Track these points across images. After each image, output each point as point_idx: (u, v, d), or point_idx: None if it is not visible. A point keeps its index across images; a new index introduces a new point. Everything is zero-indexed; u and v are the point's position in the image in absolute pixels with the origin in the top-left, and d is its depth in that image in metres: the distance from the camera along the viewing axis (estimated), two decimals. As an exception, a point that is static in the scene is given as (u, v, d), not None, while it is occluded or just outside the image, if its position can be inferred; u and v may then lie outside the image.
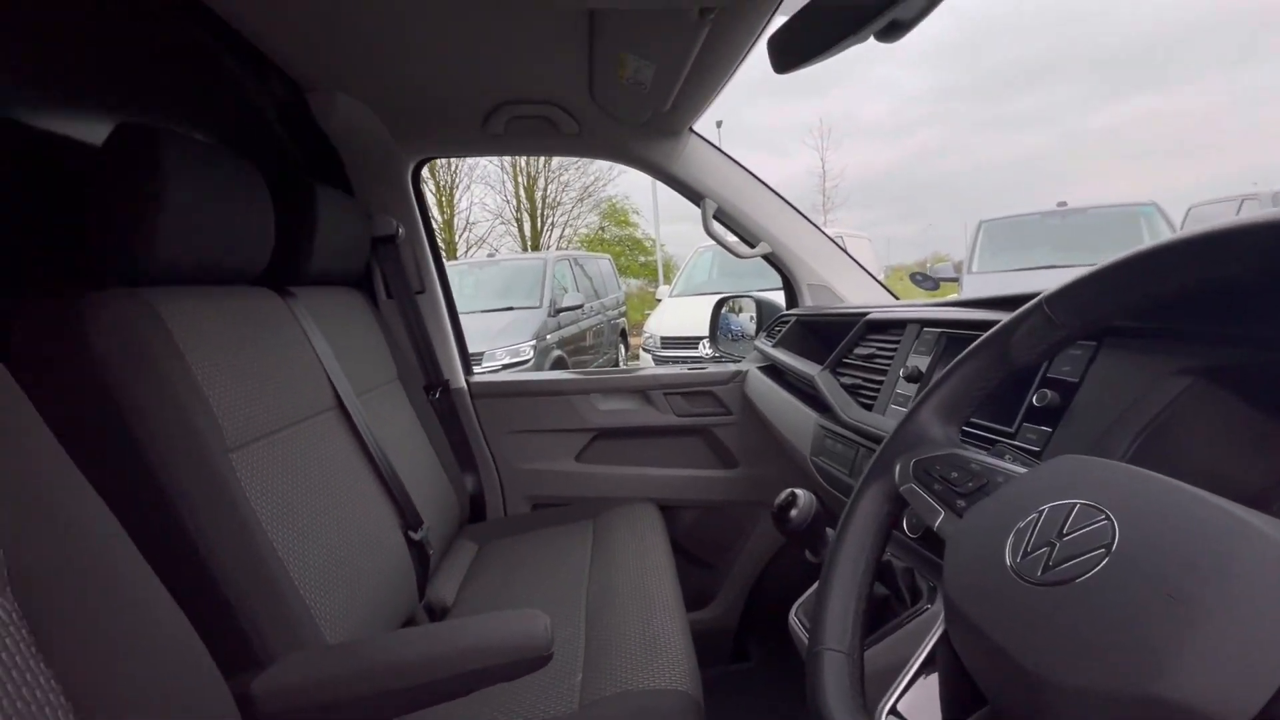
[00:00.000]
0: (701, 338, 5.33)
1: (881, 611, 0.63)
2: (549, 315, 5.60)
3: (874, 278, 1.44)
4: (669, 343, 5.34)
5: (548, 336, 5.48)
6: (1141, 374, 0.48)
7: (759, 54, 1.02)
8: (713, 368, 1.53)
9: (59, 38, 0.84)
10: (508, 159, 16.10)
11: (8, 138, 0.76)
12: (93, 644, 0.47)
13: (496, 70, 1.12)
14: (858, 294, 1.40)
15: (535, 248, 15.53)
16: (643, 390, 1.51)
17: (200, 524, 0.66)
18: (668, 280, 9.60)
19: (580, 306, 6.21)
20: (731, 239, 1.43)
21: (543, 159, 16.52)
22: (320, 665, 0.61)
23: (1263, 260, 0.29)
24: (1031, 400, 0.56)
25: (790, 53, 0.73)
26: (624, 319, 8.50)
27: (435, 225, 1.46)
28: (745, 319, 1.81)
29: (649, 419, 1.50)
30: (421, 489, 1.16)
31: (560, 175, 16.88)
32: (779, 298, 1.59)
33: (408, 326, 1.41)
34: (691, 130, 1.35)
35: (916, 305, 0.89)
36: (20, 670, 0.43)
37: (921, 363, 0.76)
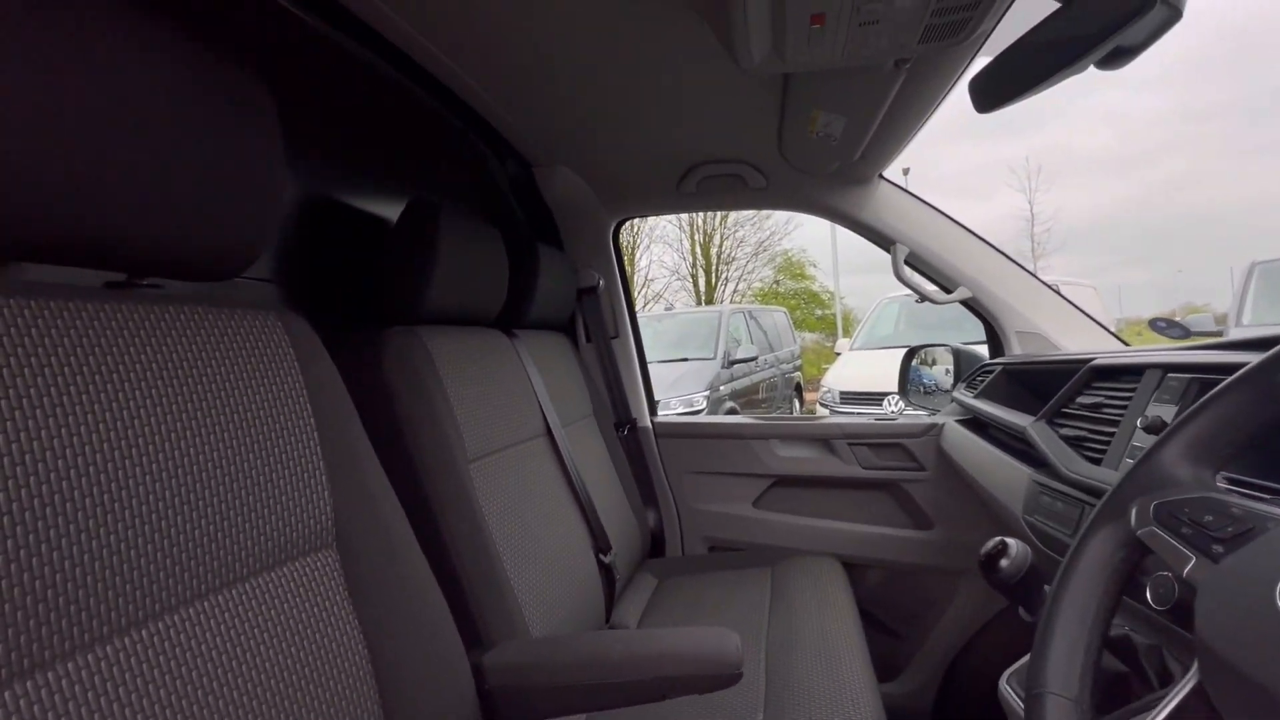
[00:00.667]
0: (885, 394, 4.99)
1: (1118, 690, 0.55)
2: (723, 366, 5.67)
3: (1099, 324, 1.28)
4: (849, 398, 5.10)
5: (721, 387, 5.55)
6: None
7: (955, 96, 1.01)
8: (903, 420, 1.45)
9: (355, 130, 1.11)
10: (685, 218, 16.88)
11: (324, 209, 1.01)
12: (381, 602, 0.59)
13: (693, 136, 1.23)
14: (1078, 342, 1.25)
15: (710, 302, 15.89)
16: (825, 439, 1.48)
17: (448, 520, 0.80)
18: (846, 334, 9.22)
19: (754, 359, 6.21)
20: (927, 286, 1.38)
21: (719, 217, 17.06)
22: (537, 650, 0.69)
23: None
24: None
25: (994, 93, 0.72)
26: (799, 373, 8.29)
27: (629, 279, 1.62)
28: (939, 371, 1.69)
29: (831, 469, 1.46)
30: (610, 518, 1.25)
31: (736, 231, 17.24)
32: (979, 350, 1.48)
33: (603, 368, 1.55)
34: (881, 177, 1.34)
35: (1156, 349, 0.79)
36: (336, 612, 0.56)
37: (1165, 413, 0.67)
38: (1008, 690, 0.65)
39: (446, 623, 0.64)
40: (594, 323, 1.54)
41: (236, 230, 0.53)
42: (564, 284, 1.36)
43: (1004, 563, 0.59)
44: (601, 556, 1.16)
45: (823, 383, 5.71)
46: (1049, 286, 1.31)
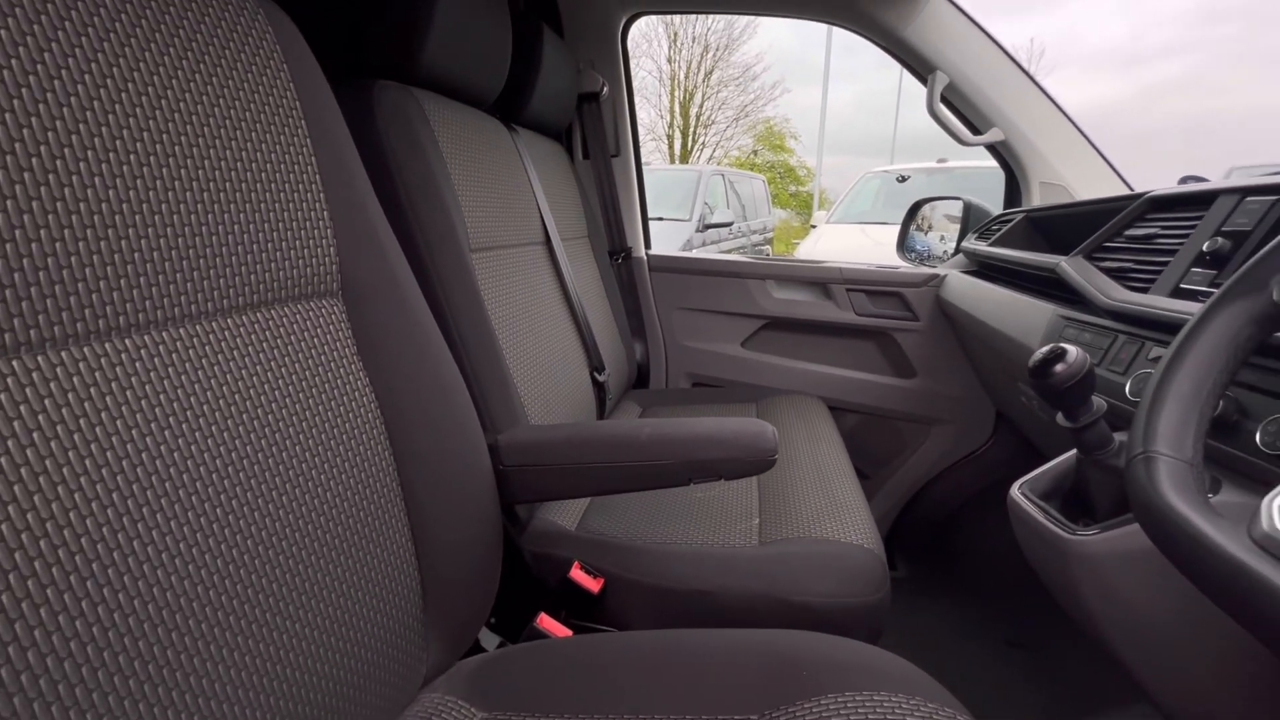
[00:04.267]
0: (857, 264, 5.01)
1: None
2: (697, 230, 5.52)
3: (1126, 184, 1.23)
4: (820, 270, 5.09)
5: (693, 251, 5.44)
6: None
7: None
8: (905, 269, 1.42)
9: None
10: (666, 73, 15.64)
11: None
12: (392, 357, 0.53)
13: None
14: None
15: (684, 163, 15.25)
16: (823, 283, 1.44)
17: (454, 305, 0.73)
18: (824, 209, 9.06)
19: (730, 224, 6.06)
20: (956, 124, 1.28)
21: (701, 73, 15.88)
22: (558, 432, 0.66)
23: None
24: None
25: None
26: (769, 246, 8.20)
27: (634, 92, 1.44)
28: (934, 239, 1.65)
29: (825, 314, 1.44)
30: (602, 342, 1.21)
31: (719, 91, 16.19)
32: (988, 208, 1.42)
33: (600, 188, 1.43)
34: (935, -12, 1.18)
35: (1232, 180, 0.74)
36: (342, 363, 0.50)
37: (1239, 241, 0.63)
38: (1019, 496, 0.66)
39: (461, 393, 0.59)
40: (594, 135, 1.39)
41: None
42: (566, 83, 1.20)
43: (1059, 367, 0.57)
44: (596, 374, 1.13)
45: (798, 254, 5.68)
46: (1088, 140, 1.23)
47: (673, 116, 16.17)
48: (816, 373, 1.46)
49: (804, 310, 1.46)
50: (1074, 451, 0.61)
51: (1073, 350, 0.58)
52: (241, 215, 0.43)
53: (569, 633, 0.69)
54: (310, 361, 0.47)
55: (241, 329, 0.43)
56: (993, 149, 1.29)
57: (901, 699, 0.48)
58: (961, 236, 1.43)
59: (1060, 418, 0.60)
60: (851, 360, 1.46)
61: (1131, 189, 1.23)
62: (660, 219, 5.47)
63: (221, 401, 0.40)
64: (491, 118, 0.99)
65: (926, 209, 1.64)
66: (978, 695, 1.08)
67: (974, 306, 1.16)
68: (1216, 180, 0.75)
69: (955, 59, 1.21)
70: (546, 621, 0.68)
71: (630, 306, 1.49)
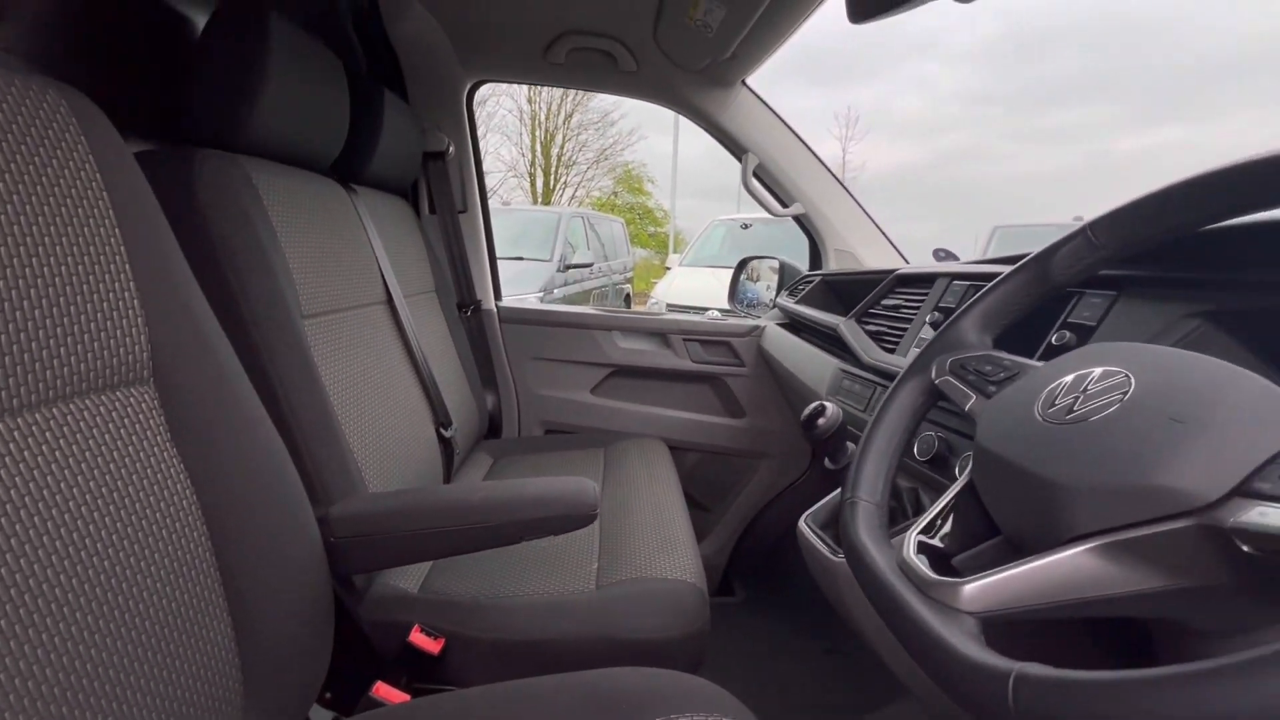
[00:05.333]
0: (706, 308, 5.40)
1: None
2: (558, 270, 5.62)
3: (896, 249, 1.49)
4: (676, 310, 5.40)
5: (555, 291, 5.52)
6: (1156, 317, 0.54)
7: (820, 15, 1.06)
8: (731, 321, 1.59)
9: None
10: (527, 113, 15.84)
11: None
12: (211, 446, 0.54)
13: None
14: (880, 262, 1.45)
15: (546, 204, 15.42)
16: (663, 333, 1.57)
17: (280, 374, 0.72)
18: (678, 251, 9.60)
19: (590, 265, 6.23)
20: (768, 198, 1.48)
21: (562, 116, 16.29)
22: (391, 500, 0.68)
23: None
24: (1051, 340, 0.62)
25: (869, 2, 0.78)
26: (629, 285, 8.52)
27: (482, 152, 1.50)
28: (761, 288, 1.87)
29: (665, 361, 1.57)
30: (449, 395, 1.23)
31: (579, 134, 16.66)
32: (799, 265, 1.65)
33: (447, 243, 1.45)
34: (744, 84, 1.38)
35: (944, 265, 0.95)
36: (155, 454, 0.50)
37: (949, 312, 0.82)
38: (805, 528, 0.79)
39: (288, 470, 0.59)
40: (440, 192, 1.42)
41: None
42: (409, 142, 1.23)
43: (821, 421, 0.70)
44: (442, 430, 1.14)
45: (652, 294, 5.96)
46: (865, 213, 1.49)
47: (534, 155, 16.36)
48: (659, 415, 1.58)
49: (646, 359, 1.57)
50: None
51: (831, 407, 0.71)
52: (38, 310, 0.42)
53: (406, 698, 0.70)
54: (117, 454, 0.46)
55: (48, 423, 0.42)
56: (797, 219, 1.50)
57: (703, 716, 0.56)
58: (778, 292, 1.64)
59: (826, 461, 0.73)
60: (689, 403, 1.59)
61: (900, 252, 1.50)
62: (521, 259, 5.51)
63: (27, 499, 0.39)
64: (327, 179, 0.99)
65: (754, 263, 1.86)
66: (791, 699, 1.22)
67: (785, 356, 1.34)
68: (938, 266, 0.96)
69: (763, 143, 1.41)
70: (383, 690, 0.69)
71: (481, 358, 1.51)
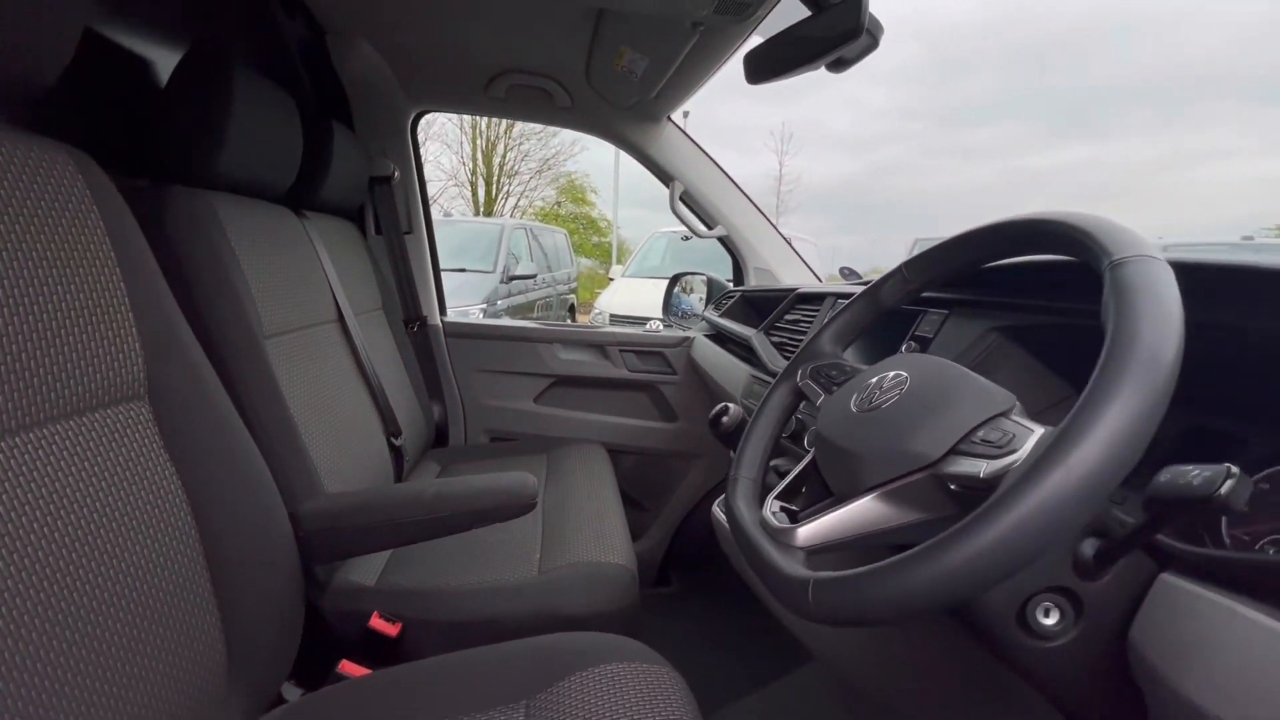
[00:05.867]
0: (649, 319, 5.56)
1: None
2: (501, 281, 5.66)
3: (809, 267, 1.67)
4: (618, 320, 5.52)
5: (498, 302, 5.55)
6: (970, 331, 0.71)
7: (738, 60, 1.22)
8: (664, 333, 1.73)
9: None
10: (468, 121, 15.70)
11: (89, 45, 0.86)
12: (200, 454, 0.62)
13: (507, 41, 1.26)
14: (794, 278, 1.62)
15: (488, 214, 15.31)
16: (601, 345, 1.69)
17: (250, 391, 0.81)
18: (621, 261, 9.75)
19: (534, 276, 6.29)
20: (693, 220, 1.63)
21: (504, 125, 16.24)
22: (353, 498, 0.77)
23: (1024, 249, 0.51)
24: (903, 348, 0.78)
25: (761, 69, 0.93)
26: (574, 295, 8.61)
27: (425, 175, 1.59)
28: (694, 299, 2.02)
29: (603, 371, 1.69)
30: (399, 407, 1.31)
31: (521, 144, 16.64)
32: (726, 281, 1.81)
33: (394, 263, 1.53)
34: (669, 119, 1.53)
35: (836, 285, 1.11)
36: (151, 463, 0.58)
37: None
38: (716, 512, 0.92)
39: (264, 474, 0.68)
40: (386, 215, 1.50)
41: None
42: (356, 169, 1.31)
43: (725, 419, 0.84)
44: (392, 439, 1.22)
45: (595, 305, 6.07)
46: (780, 234, 1.66)
47: (475, 164, 16.22)
48: (598, 422, 1.70)
49: (586, 369, 1.69)
50: None
51: (733, 408, 0.85)
52: (58, 338, 0.50)
53: (369, 673, 0.79)
54: (119, 467, 0.54)
55: (63, 436, 0.50)
56: (720, 240, 1.66)
57: (628, 665, 0.68)
58: (706, 305, 1.80)
59: (733, 454, 0.87)
60: (626, 409, 1.72)
61: (814, 272, 1.67)
62: (464, 270, 5.52)
63: (41, 502, 0.47)
64: (281, 208, 1.07)
65: (686, 278, 2.01)
66: (717, 664, 1.35)
67: (710, 364, 1.48)
68: (830, 286, 1.12)
69: (687, 172, 1.56)
70: (348, 666, 0.78)
71: (428, 371, 1.59)
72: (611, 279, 6.68)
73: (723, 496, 0.90)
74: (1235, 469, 0.33)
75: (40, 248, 0.50)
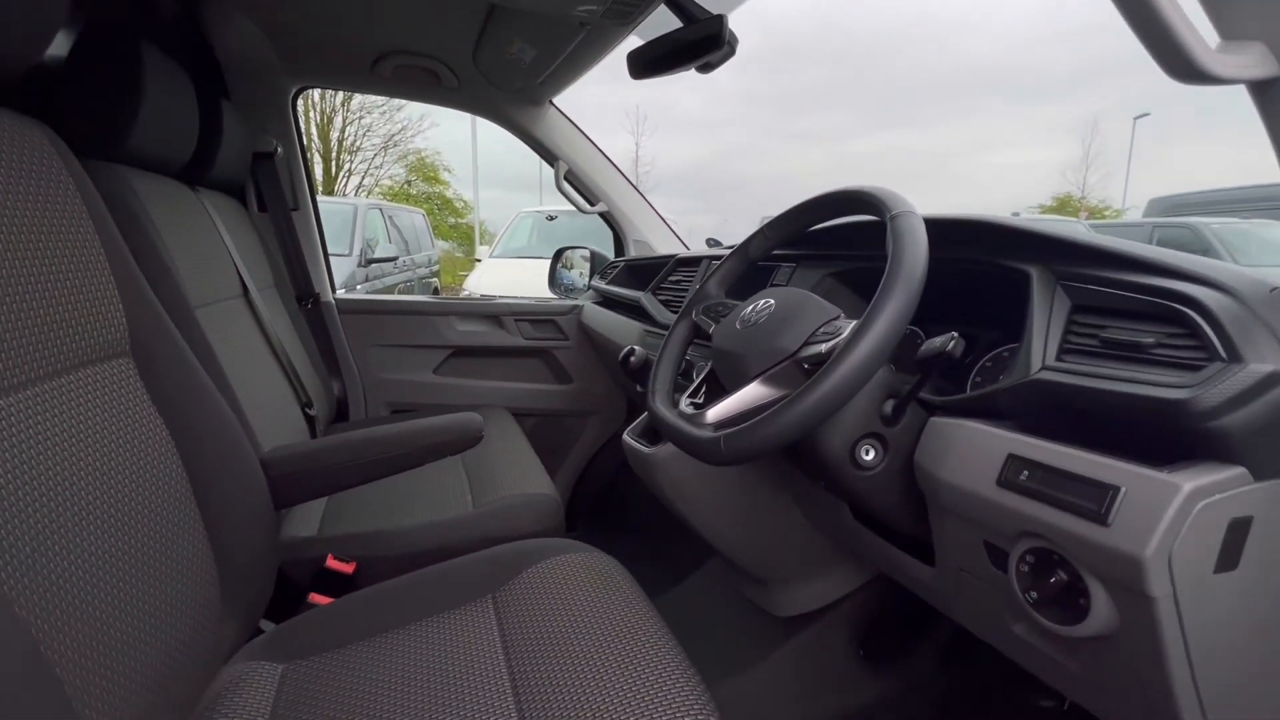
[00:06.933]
0: (519, 299, 5.59)
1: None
2: (359, 265, 5.39)
3: (679, 238, 1.90)
4: (488, 301, 5.49)
5: (357, 287, 5.28)
6: (813, 277, 0.95)
7: (618, 54, 1.38)
8: (555, 302, 1.88)
9: None
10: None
11: None
12: (183, 406, 0.69)
13: (397, 24, 1.32)
14: (667, 250, 1.84)
15: (329, 193, 14.12)
16: (496, 316, 1.80)
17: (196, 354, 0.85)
18: (486, 243, 9.55)
19: (394, 259, 6.04)
20: (577, 197, 1.78)
21: (340, 97, 14.99)
22: (317, 443, 0.85)
23: (840, 212, 0.74)
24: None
25: (642, 67, 1.10)
26: (437, 279, 8.33)
27: (314, 150, 1.57)
28: (575, 275, 2.18)
29: (500, 340, 1.80)
30: (306, 381, 1.34)
31: (361, 118, 15.47)
32: (607, 253, 1.99)
33: (281, 240, 1.52)
34: (552, 103, 1.66)
35: (709, 250, 1.34)
36: (141, 417, 0.64)
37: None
38: (628, 439, 1.11)
39: (235, 424, 0.75)
40: (270, 191, 1.49)
41: None
42: (241, 145, 1.31)
43: (632, 359, 1.02)
44: (307, 410, 1.26)
45: (464, 286, 5.98)
46: (654, 209, 1.86)
47: (310, 139, 14.82)
48: (498, 388, 1.81)
49: (484, 339, 1.79)
50: None
51: (639, 349, 1.04)
52: (48, 299, 0.55)
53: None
54: (108, 422, 0.58)
55: (59, 392, 0.55)
56: (602, 215, 1.83)
57: (576, 555, 0.85)
58: (591, 276, 1.96)
59: (638, 388, 1.06)
60: (524, 375, 1.85)
61: (684, 243, 1.90)
62: (316, 254, 5.17)
63: (44, 455, 0.52)
64: (179, 183, 1.07)
65: (568, 253, 2.16)
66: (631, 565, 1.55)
67: (602, 327, 1.66)
68: (703, 251, 1.34)
69: (569, 152, 1.71)
70: (317, 598, 0.86)
71: (324, 347, 1.61)
72: (478, 260, 6.59)
73: (630, 427, 1.09)
74: (955, 334, 0.58)
75: (25, 215, 0.55)
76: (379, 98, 15.01)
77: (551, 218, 6.47)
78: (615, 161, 1.79)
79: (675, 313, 1.27)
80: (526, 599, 0.77)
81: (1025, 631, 0.62)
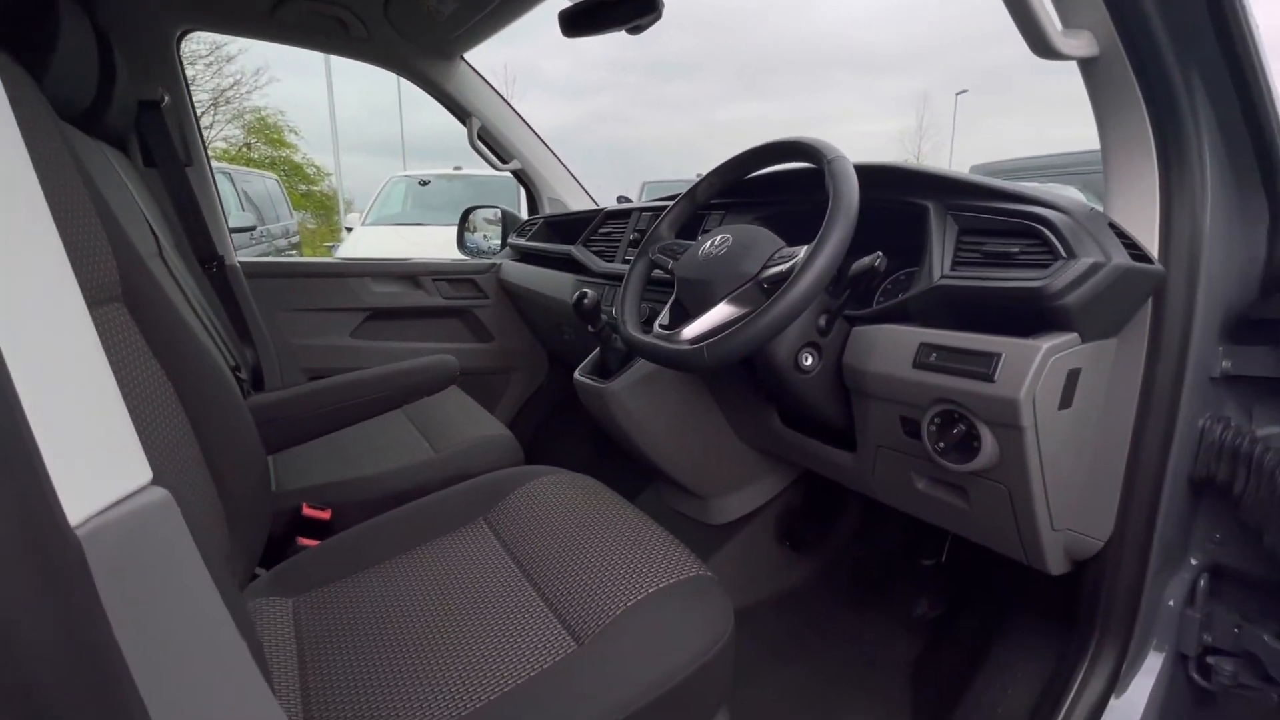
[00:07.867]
0: (432, 260, 5.32)
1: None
2: (211, 235, 4.85)
3: (590, 196, 1.97)
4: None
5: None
6: (742, 220, 1.09)
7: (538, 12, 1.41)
8: (473, 260, 1.89)
9: None
10: (99, 33, 12.13)
11: None
12: (172, 347, 0.69)
13: None
14: (580, 206, 1.91)
15: (151, 158, 12.25)
16: (413, 276, 1.78)
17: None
18: (353, 211, 8.87)
19: (251, 229, 5.50)
20: (490, 155, 1.79)
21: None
22: (298, 389, 0.85)
23: (780, 158, 0.87)
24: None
25: (575, 26, 1.16)
26: (297, 250, 7.66)
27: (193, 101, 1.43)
28: (479, 238, 2.19)
29: (419, 301, 1.79)
30: (228, 345, 1.28)
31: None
32: (518, 214, 2.02)
33: (175, 198, 1.40)
34: (463, 58, 1.65)
35: (639, 204, 1.44)
36: (140, 357, 0.65)
37: (643, 232, 1.31)
38: (579, 377, 1.20)
39: (223, 368, 0.75)
40: (159, 145, 1.36)
41: None
42: (125, 92, 1.20)
43: (585, 300, 1.11)
44: (239, 374, 1.22)
45: (337, 256, 5.58)
46: (566, 168, 1.92)
47: (118, 93, 12.73)
48: (419, 349, 1.81)
49: (401, 300, 1.77)
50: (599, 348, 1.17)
51: (590, 292, 1.13)
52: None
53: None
54: (116, 361, 0.60)
55: None
56: (515, 174, 1.86)
57: (558, 475, 0.93)
58: (504, 235, 1.99)
59: (589, 329, 1.15)
60: (445, 335, 1.85)
61: (595, 200, 1.98)
62: (155, 224, 4.58)
63: None
64: (77, 131, 0.98)
65: (473, 216, 2.15)
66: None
67: (526, 282, 1.71)
68: (636, 201, 1.44)
69: (482, 109, 1.71)
70: (306, 541, 0.88)
71: (233, 313, 1.52)
72: (349, 229, 6.15)
73: (580, 366, 1.18)
74: (880, 254, 0.74)
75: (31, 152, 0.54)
76: (202, 48, 13.18)
77: (425, 182, 6.17)
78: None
79: (609, 262, 1.37)
80: (519, 515, 0.85)
81: (928, 486, 0.82)
